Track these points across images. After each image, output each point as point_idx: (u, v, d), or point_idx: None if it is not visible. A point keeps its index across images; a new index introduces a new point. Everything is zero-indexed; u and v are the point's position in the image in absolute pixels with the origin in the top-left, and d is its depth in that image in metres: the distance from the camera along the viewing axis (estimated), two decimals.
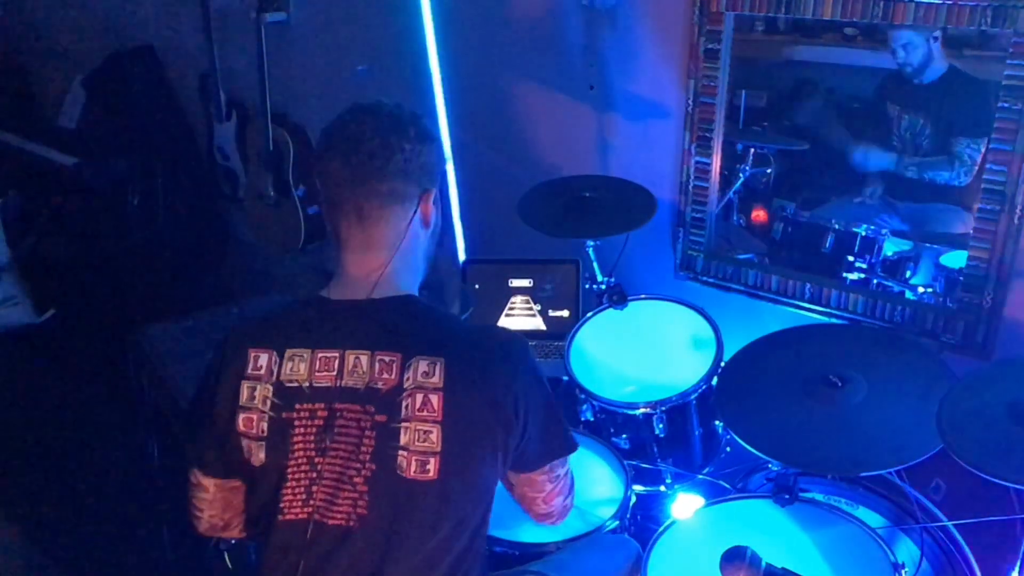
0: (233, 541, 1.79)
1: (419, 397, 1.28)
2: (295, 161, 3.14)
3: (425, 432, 1.27)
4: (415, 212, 1.38)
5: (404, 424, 1.28)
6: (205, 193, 3.75)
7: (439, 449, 1.27)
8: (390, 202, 1.36)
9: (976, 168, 2.14)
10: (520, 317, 2.56)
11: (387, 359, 1.30)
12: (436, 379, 1.28)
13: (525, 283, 2.55)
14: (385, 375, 1.30)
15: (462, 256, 2.84)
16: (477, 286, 2.57)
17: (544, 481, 1.46)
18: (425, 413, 1.28)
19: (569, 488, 1.54)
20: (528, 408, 1.34)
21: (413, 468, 1.27)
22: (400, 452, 1.27)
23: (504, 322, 2.56)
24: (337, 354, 1.32)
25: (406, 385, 1.29)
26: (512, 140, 2.76)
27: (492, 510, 1.41)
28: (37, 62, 4.32)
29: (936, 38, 2.13)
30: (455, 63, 2.71)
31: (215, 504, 1.45)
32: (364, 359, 1.31)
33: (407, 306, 1.37)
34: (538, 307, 2.55)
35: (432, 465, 1.27)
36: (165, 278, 3.65)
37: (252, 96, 3.20)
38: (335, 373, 1.31)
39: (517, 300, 2.56)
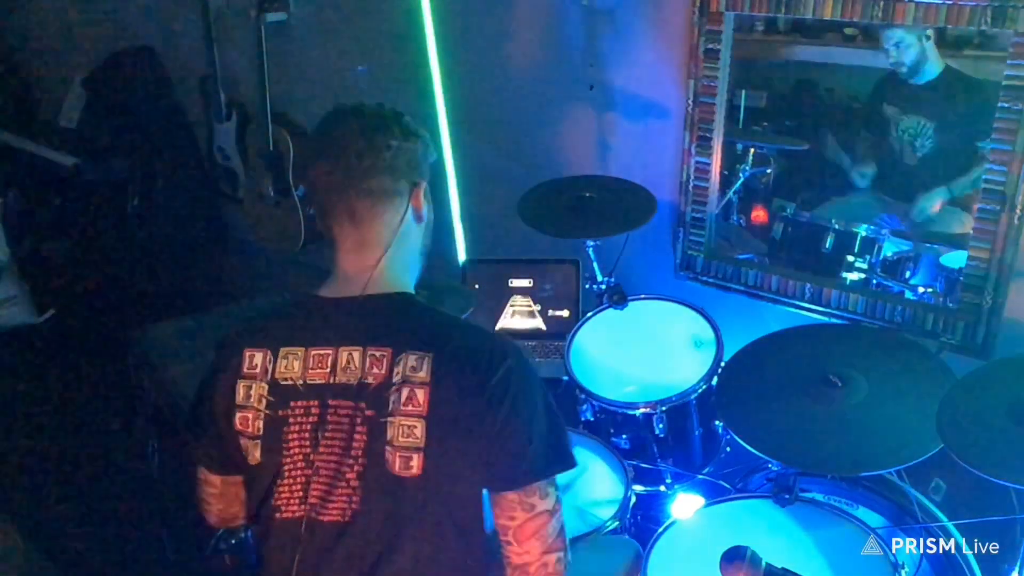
0: (233, 541, 1.80)
1: (405, 391, 1.28)
2: (295, 161, 3.14)
3: (410, 427, 1.27)
4: (406, 208, 1.38)
5: (391, 419, 1.28)
6: (205, 193, 3.75)
7: (422, 445, 1.27)
8: (381, 200, 1.36)
9: None
10: (520, 317, 2.56)
11: (378, 354, 1.31)
12: (423, 373, 1.28)
13: (525, 283, 2.55)
14: (375, 370, 1.30)
15: (462, 256, 2.84)
16: (477, 286, 2.57)
17: (514, 504, 1.29)
18: (410, 407, 1.27)
19: (553, 539, 1.31)
20: (510, 415, 1.29)
21: (398, 464, 1.27)
22: (387, 447, 1.28)
23: (504, 322, 2.56)
24: (330, 351, 1.32)
25: (394, 379, 1.29)
26: (512, 140, 2.76)
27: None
28: (37, 62, 4.31)
29: (928, 37, 2.13)
30: (455, 63, 2.71)
31: (223, 498, 1.47)
32: (357, 355, 1.31)
33: (400, 302, 1.37)
34: (538, 307, 2.55)
35: (415, 461, 1.27)
36: (165, 278, 3.65)
37: (252, 96, 3.20)
38: (328, 370, 1.32)
39: (517, 300, 2.56)
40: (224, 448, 1.38)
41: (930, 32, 2.10)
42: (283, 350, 1.34)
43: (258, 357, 1.34)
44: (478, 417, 1.29)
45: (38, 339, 3.47)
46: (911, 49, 2.16)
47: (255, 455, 1.34)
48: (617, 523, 1.78)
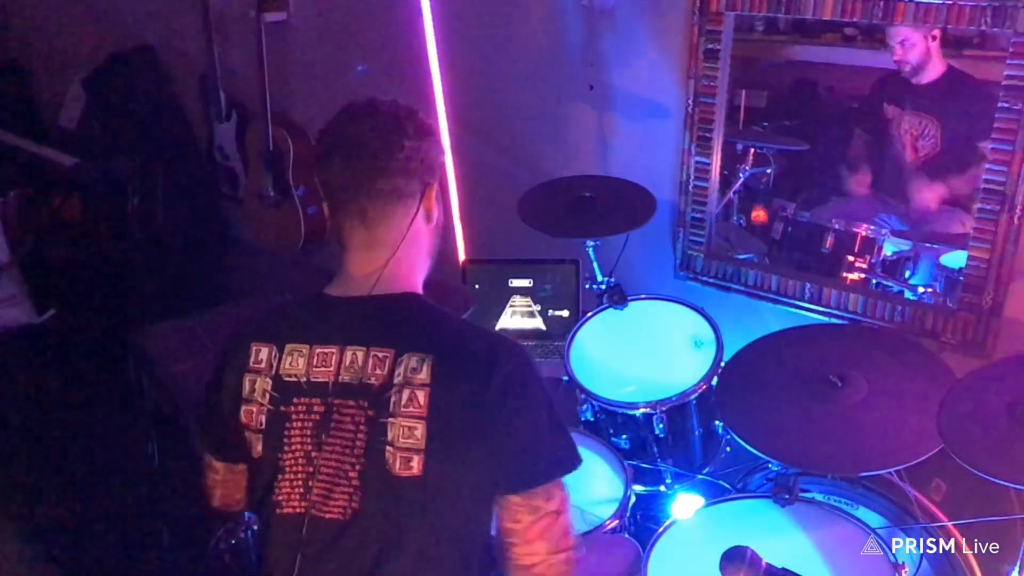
0: (233, 541, 1.80)
1: (406, 393, 1.28)
2: (295, 161, 3.14)
3: (410, 428, 1.27)
4: (418, 208, 1.38)
5: (391, 419, 1.28)
6: (205, 193, 3.74)
7: (423, 446, 1.27)
8: (393, 201, 1.36)
9: None
10: (520, 317, 2.56)
11: (381, 355, 1.31)
12: (424, 375, 1.28)
13: (525, 283, 2.55)
14: (377, 370, 1.30)
15: (462, 256, 2.84)
16: (477, 286, 2.57)
17: (519, 507, 1.29)
18: (411, 409, 1.27)
19: (559, 539, 1.31)
20: (512, 419, 1.28)
21: (398, 464, 1.27)
22: (387, 448, 1.28)
23: (504, 322, 2.56)
24: (335, 349, 1.33)
25: (395, 380, 1.29)
26: (512, 140, 2.76)
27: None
28: (37, 62, 4.32)
29: (935, 37, 2.13)
30: (455, 63, 2.71)
31: (226, 484, 1.50)
32: (360, 355, 1.31)
33: (405, 303, 1.37)
34: (538, 307, 2.55)
35: (416, 462, 1.27)
36: (165, 278, 3.64)
37: (252, 96, 3.20)
38: (332, 369, 1.32)
39: (517, 300, 2.56)
40: (228, 437, 1.39)
41: (936, 32, 2.10)
42: (289, 346, 1.35)
43: (264, 352, 1.35)
44: (479, 420, 1.28)
45: (38, 339, 3.47)
46: (916, 48, 2.16)
47: (257, 448, 1.35)
48: (617, 523, 1.78)
